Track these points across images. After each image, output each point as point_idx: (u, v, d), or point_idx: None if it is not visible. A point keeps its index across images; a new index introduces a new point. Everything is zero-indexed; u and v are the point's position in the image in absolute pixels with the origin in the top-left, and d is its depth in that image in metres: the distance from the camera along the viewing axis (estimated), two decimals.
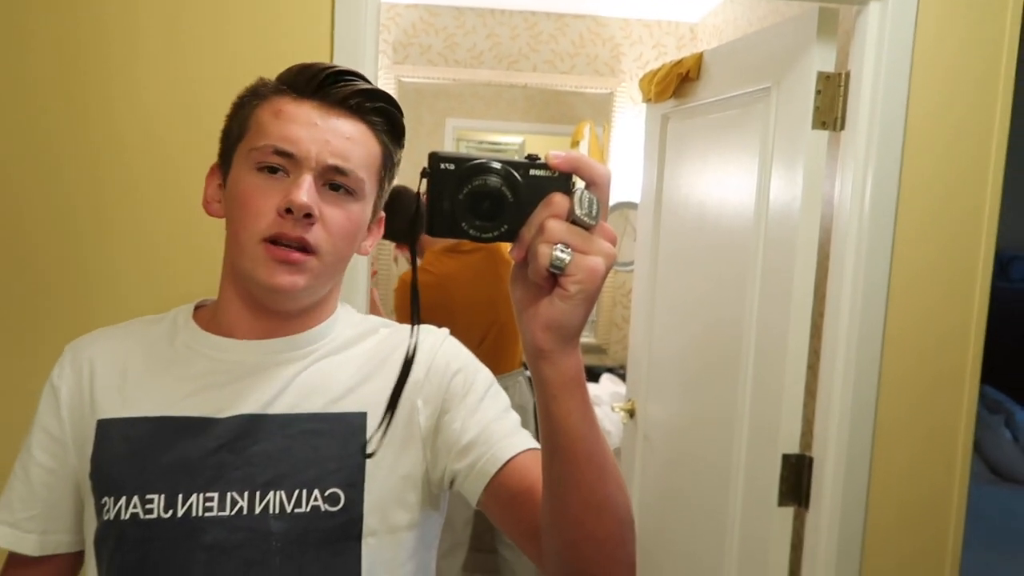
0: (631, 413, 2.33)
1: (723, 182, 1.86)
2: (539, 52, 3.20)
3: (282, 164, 0.80)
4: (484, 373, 0.90)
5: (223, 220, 0.87)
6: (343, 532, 0.81)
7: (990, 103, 1.49)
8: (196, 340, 0.88)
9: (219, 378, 0.84)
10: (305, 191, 0.78)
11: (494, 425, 0.83)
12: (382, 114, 0.85)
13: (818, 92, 1.52)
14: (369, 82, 0.85)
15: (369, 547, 0.81)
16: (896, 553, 1.54)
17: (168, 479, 0.80)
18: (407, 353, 0.74)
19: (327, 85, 0.82)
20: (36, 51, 1.37)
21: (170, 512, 0.79)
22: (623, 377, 3.07)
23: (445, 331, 0.93)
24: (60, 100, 1.38)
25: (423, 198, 0.64)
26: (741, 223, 1.75)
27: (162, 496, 0.79)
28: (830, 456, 1.52)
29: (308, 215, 0.78)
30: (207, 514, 0.79)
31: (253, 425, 0.82)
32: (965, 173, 1.50)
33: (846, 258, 1.50)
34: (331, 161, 0.80)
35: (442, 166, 0.61)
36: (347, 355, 0.88)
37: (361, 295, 1.47)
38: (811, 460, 1.57)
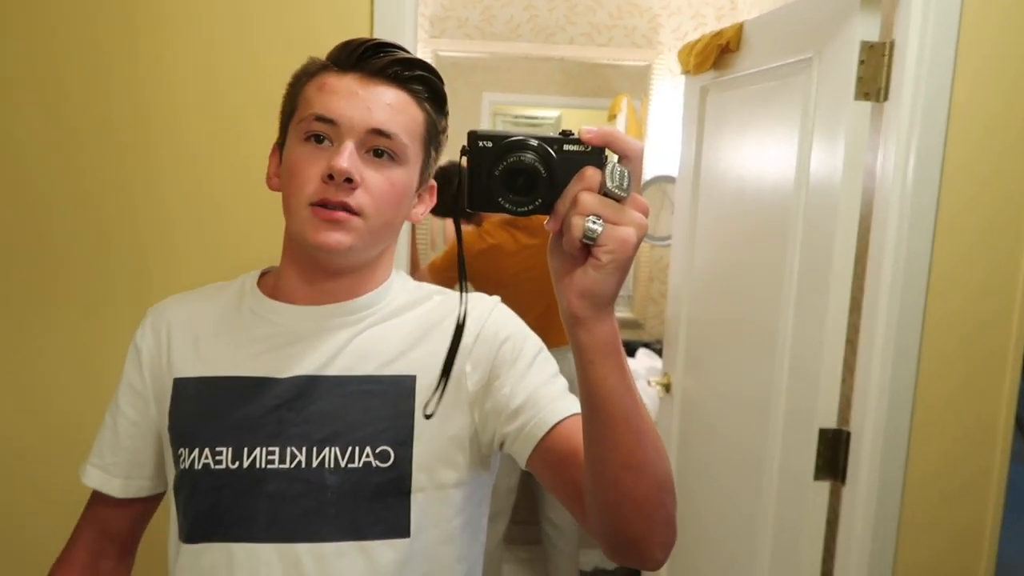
0: (667, 387, 2.33)
1: (763, 155, 1.84)
2: (576, 24, 3.17)
3: (325, 131, 0.85)
4: (533, 340, 0.94)
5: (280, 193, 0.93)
6: (393, 487, 0.87)
7: None
8: (259, 305, 0.94)
9: (279, 341, 0.91)
10: (346, 157, 0.83)
11: (542, 390, 0.88)
12: (422, 82, 0.89)
13: (861, 62, 1.49)
14: (409, 52, 0.88)
15: (417, 502, 0.87)
16: (934, 529, 1.53)
17: (234, 434, 0.87)
18: (458, 320, 0.78)
19: (367, 57, 0.86)
20: (100, 21, 1.41)
21: (236, 463, 0.87)
22: (659, 352, 3.07)
23: (496, 299, 0.97)
24: (120, 59, 1.42)
25: (462, 175, 0.67)
26: (780, 197, 1.73)
27: (230, 449, 0.87)
28: (868, 431, 1.51)
29: (349, 180, 0.83)
30: (269, 466, 0.86)
31: (311, 385, 0.88)
32: (1013, 146, 1.46)
33: (887, 233, 1.48)
34: (373, 125, 0.84)
35: (480, 144, 0.65)
36: (400, 320, 0.94)
37: (403, 259, 1.51)
38: (848, 435, 1.57)
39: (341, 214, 0.84)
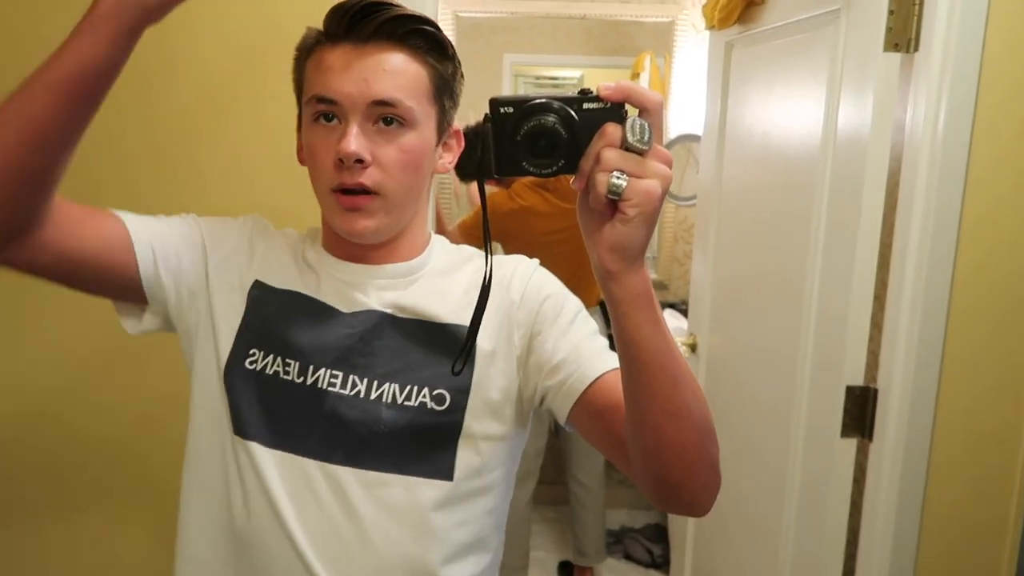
0: (693, 348, 2.33)
1: (789, 110, 1.81)
2: None
3: (331, 111, 0.86)
4: (573, 299, 0.97)
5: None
6: (443, 430, 0.90)
7: None
8: (321, 260, 0.97)
9: (349, 285, 0.95)
10: (352, 139, 0.83)
11: (583, 345, 0.91)
12: (419, 35, 0.87)
13: (891, 12, 1.45)
14: (400, 7, 0.87)
15: (462, 448, 0.90)
16: (960, 485, 1.53)
17: (305, 350, 0.91)
18: (484, 281, 0.79)
19: (356, 22, 0.85)
20: None
21: (301, 378, 0.90)
22: (685, 313, 3.06)
23: (536, 261, 1.00)
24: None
25: (488, 142, 0.68)
26: (807, 152, 1.71)
27: (297, 363, 0.91)
28: (895, 388, 1.51)
29: (359, 160, 0.84)
30: (330, 388, 0.90)
31: (382, 322, 0.93)
32: None
33: (916, 187, 1.45)
34: (373, 96, 0.84)
35: (502, 110, 0.66)
36: (453, 279, 0.97)
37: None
38: (876, 392, 1.56)
39: (361, 198, 0.86)
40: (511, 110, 0.65)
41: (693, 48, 3.12)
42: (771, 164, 1.90)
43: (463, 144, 0.99)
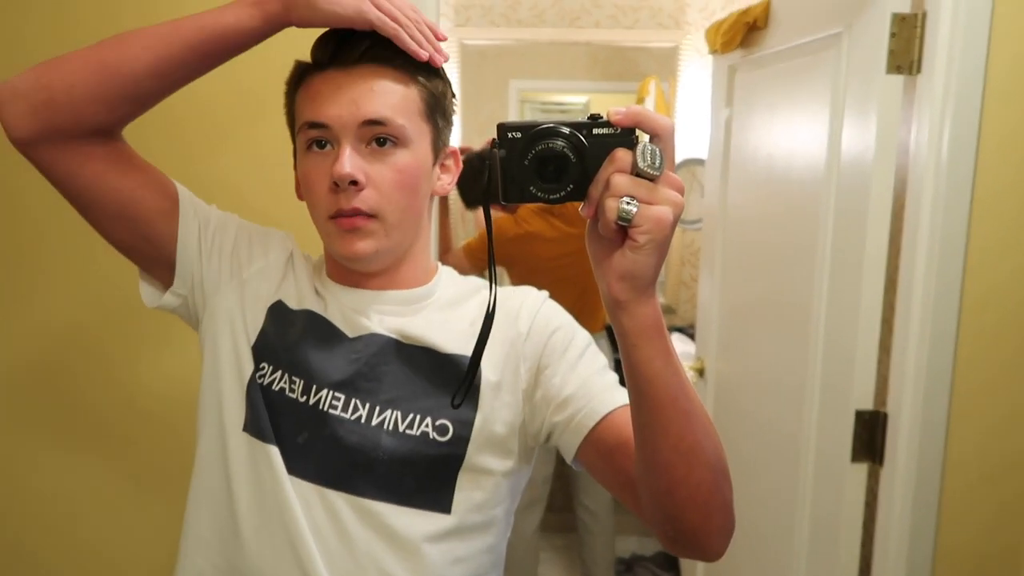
0: (701, 372, 2.31)
1: (793, 133, 1.81)
2: (601, 7, 3.14)
3: (323, 136, 0.86)
4: (583, 333, 0.94)
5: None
6: (444, 462, 0.87)
7: None
8: (326, 287, 0.97)
9: (356, 313, 0.94)
10: (345, 161, 0.83)
11: (592, 381, 0.88)
12: (405, 55, 0.86)
13: (892, 35, 1.45)
14: (368, 34, 0.86)
15: (463, 482, 0.88)
16: (974, 510, 1.50)
17: (312, 370, 0.90)
18: (488, 310, 0.78)
19: (342, 46, 0.86)
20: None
21: (305, 398, 0.89)
22: (692, 337, 3.05)
23: (545, 293, 0.98)
24: None
25: (495, 169, 0.67)
26: (812, 175, 1.70)
27: (303, 382, 0.89)
28: (905, 412, 1.49)
29: (354, 182, 0.83)
30: (331, 410, 0.88)
31: (388, 348, 0.91)
32: None
33: (922, 209, 1.44)
34: (363, 117, 0.84)
35: (510, 135, 0.64)
36: (459, 310, 0.96)
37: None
38: (885, 416, 1.54)
39: (359, 220, 0.85)
40: (519, 135, 0.64)
41: (697, 72, 3.13)
42: (776, 187, 1.89)
43: (460, 165, 0.98)
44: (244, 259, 0.97)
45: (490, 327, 0.79)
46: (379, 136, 0.85)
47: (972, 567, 1.52)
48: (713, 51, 2.18)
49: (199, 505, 0.92)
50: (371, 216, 0.86)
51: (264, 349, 0.92)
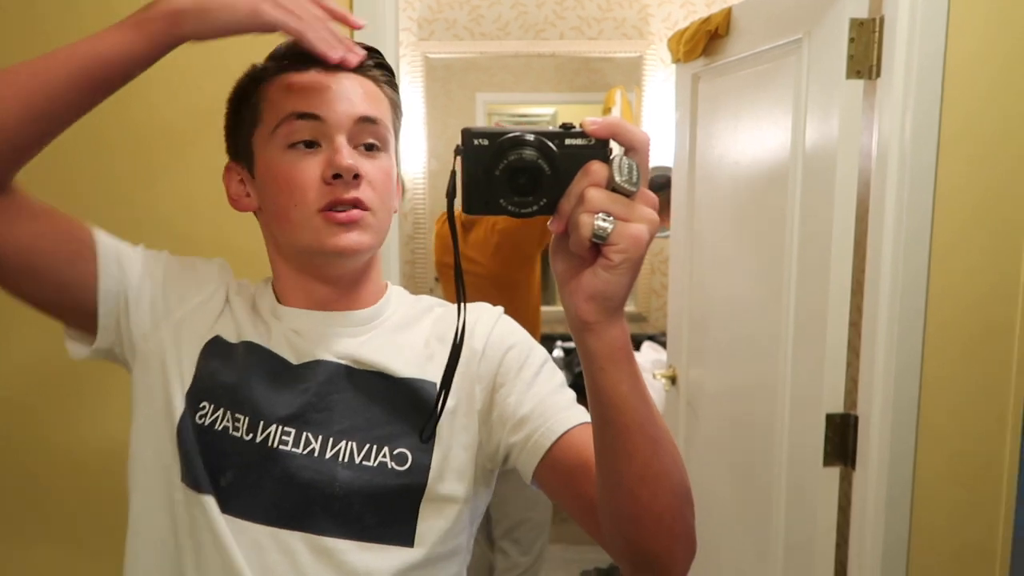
0: (673, 380, 2.31)
1: (757, 139, 1.82)
2: (565, 19, 3.16)
3: (312, 133, 0.82)
4: (539, 350, 0.91)
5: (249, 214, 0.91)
6: (404, 492, 0.83)
7: None
8: (273, 310, 0.91)
9: (302, 338, 0.89)
10: (346, 154, 0.81)
11: (550, 399, 0.84)
12: (378, 67, 0.87)
13: (851, 40, 1.47)
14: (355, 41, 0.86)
15: (426, 512, 0.84)
16: (946, 508, 1.51)
17: (256, 405, 0.84)
18: (455, 338, 0.75)
19: None
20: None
21: (251, 435, 0.83)
22: (664, 344, 3.05)
23: (500, 309, 0.94)
24: None
25: (458, 176, 0.63)
26: (777, 181, 1.71)
27: (247, 419, 0.84)
28: (875, 414, 1.49)
29: (356, 175, 0.81)
30: (282, 447, 0.83)
31: (338, 376, 0.86)
32: (1009, 118, 1.43)
33: (886, 211, 1.45)
34: (359, 113, 0.82)
35: (475, 142, 0.60)
36: (412, 331, 0.92)
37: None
38: (856, 419, 1.54)
39: (355, 212, 0.82)
40: (486, 142, 0.60)
41: (663, 82, 3.15)
42: (742, 194, 1.90)
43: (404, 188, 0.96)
44: (175, 301, 0.90)
45: (458, 357, 0.76)
46: (369, 136, 0.84)
47: (945, 567, 1.52)
48: (676, 60, 2.19)
49: (136, 565, 0.87)
50: (367, 209, 0.83)
51: (202, 390, 0.86)
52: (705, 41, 1.97)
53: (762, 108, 1.79)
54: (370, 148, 0.84)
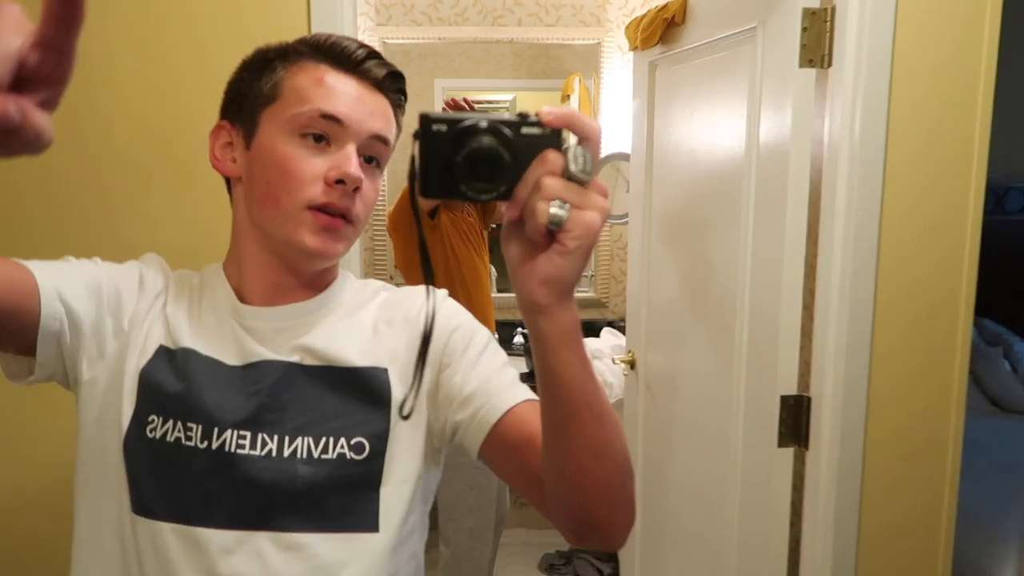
0: (632, 364, 2.34)
1: (713, 127, 1.85)
2: (524, 5, 3.15)
3: (327, 132, 0.84)
4: (483, 331, 0.94)
5: (219, 179, 0.91)
6: (365, 479, 0.86)
7: (977, 32, 1.46)
8: (226, 303, 0.91)
9: (248, 335, 0.89)
10: (356, 163, 0.83)
11: (494, 377, 0.88)
12: (402, 93, 0.91)
13: (804, 29, 1.50)
14: (389, 63, 0.90)
15: (386, 495, 0.86)
16: (895, 485, 1.56)
17: (209, 412, 0.84)
18: (426, 317, 0.77)
19: (367, 63, 0.87)
20: None
21: (205, 443, 0.83)
22: (623, 330, 3.09)
23: (444, 292, 0.97)
24: None
25: (416, 160, 0.63)
26: (732, 168, 1.74)
27: (200, 426, 0.83)
28: (827, 395, 1.53)
29: (357, 188, 0.84)
30: (239, 451, 0.83)
31: (288, 373, 0.87)
32: (954, 105, 1.48)
33: (837, 196, 1.49)
34: (375, 131, 0.86)
35: (434, 127, 0.61)
36: (360, 316, 0.93)
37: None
38: (809, 400, 1.59)
39: (340, 221, 0.84)
40: (444, 128, 0.61)
41: (620, 69, 3.17)
42: (698, 180, 1.93)
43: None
44: (115, 320, 0.87)
45: (428, 346, 0.77)
46: (375, 152, 0.87)
47: (895, 546, 1.58)
48: (634, 48, 2.21)
49: None
50: (350, 222, 0.86)
51: (150, 403, 0.85)
52: (662, 29, 1.99)
53: (718, 96, 1.82)
54: (369, 161, 0.87)
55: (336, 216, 0.84)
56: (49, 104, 0.42)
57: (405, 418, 0.85)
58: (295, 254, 0.87)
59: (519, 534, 3.01)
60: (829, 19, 1.48)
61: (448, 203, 2.50)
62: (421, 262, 0.77)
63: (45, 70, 0.41)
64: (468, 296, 2.36)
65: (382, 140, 0.87)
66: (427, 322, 0.78)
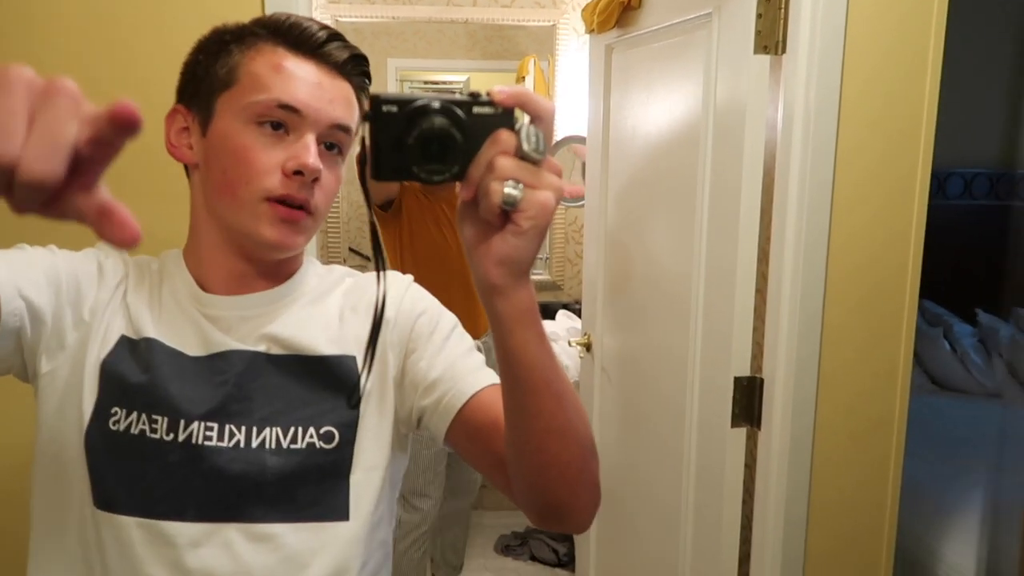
0: (588, 347, 2.36)
1: (669, 111, 1.86)
2: None
3: (285, 120, 0.81)
4: (448, 316, 0.94)
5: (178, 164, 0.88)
6: (334, 469, 0.85)
7: (925, 19, 1.50)
8: (187, 291, 0.89)
9: (215, 325, 0.87)
10: (314, 153, 0.81)
11: (459, 363, 0.88)
12: (364, 75, 0.89)
13: (759, 16, 1.51)
14: (352, 45, 0.87)
15: (355, 483, 0.86)
16: (844, 464, 1.61)
17: (174, 404, 0.82)
18: (377, 302, 0.76)
19: (326, 46, 0.84)
20: None
21: (172, 435, 0.82)
22: (579, 313, 3.11)
23: (409, 277, 0.96)
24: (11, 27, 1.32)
25: (367, 142, 0.62)
26: (687, 152, 1.76)
27: (165, 419, 0.82)
28: (779, 376, 1.57)
29: (316, 178, 0.82)
30: (206, 443, 0.82)
31: (254, 363, 0.86)
32: (902, 91, 1.51)
33: (790, 182, 1.52)
34: (335, 119, 0.83)
35: (384, 108, 0.59)
36: (325, 304, 0.92)
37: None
38: (762, 381, 1.62)
39: (299, 213, 0.82)
40: (395, 109, 0.59)
41: (576, 52, 3.17)
42: (654, 165, 1.94)
43: None
44: (74, 311, 0.85)
45: (379, 329, 0.76)
46: (335, 140, 0.85)
47: (842, 522, 1.63)
48: (590, 30, 2.21)
49: None
50: (310, 213, 0.84)
51: (112, 396, 0.83)
52: (618, 13, 2.00)
53: (674, 80, 1.83)
54: (330, 148, 0.85)
55: (295, 208, 0.82)
56: (90, 186, 0.42)
57: (354, 407, 0.84)
58: (253, 245, 0.85)
59: (475, 516, 3.03)
60: (783, 6, 1.50)
61: (428, 189, 2.48)
62: (372, 246, 0.76)
63: (95, 161, 0.42)
64: (448, 284, 2.34)
65: (343, 128, 0.85)
66: (377, 308, 0.77)
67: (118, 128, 0.40)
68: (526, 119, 0.60)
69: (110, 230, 0.43)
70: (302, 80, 0.82)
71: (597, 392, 2.31)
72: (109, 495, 0.81)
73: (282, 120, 0.82)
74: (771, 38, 1.52)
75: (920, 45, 1.50)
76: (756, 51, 1.52)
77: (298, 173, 0.81)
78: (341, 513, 0.85)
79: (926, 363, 3.09)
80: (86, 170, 0.42)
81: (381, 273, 0.78)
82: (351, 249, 3.32)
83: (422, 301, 0.93)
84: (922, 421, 2.31)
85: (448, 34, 3.23)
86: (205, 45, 0.87)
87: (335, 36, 0.86)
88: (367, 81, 0.90)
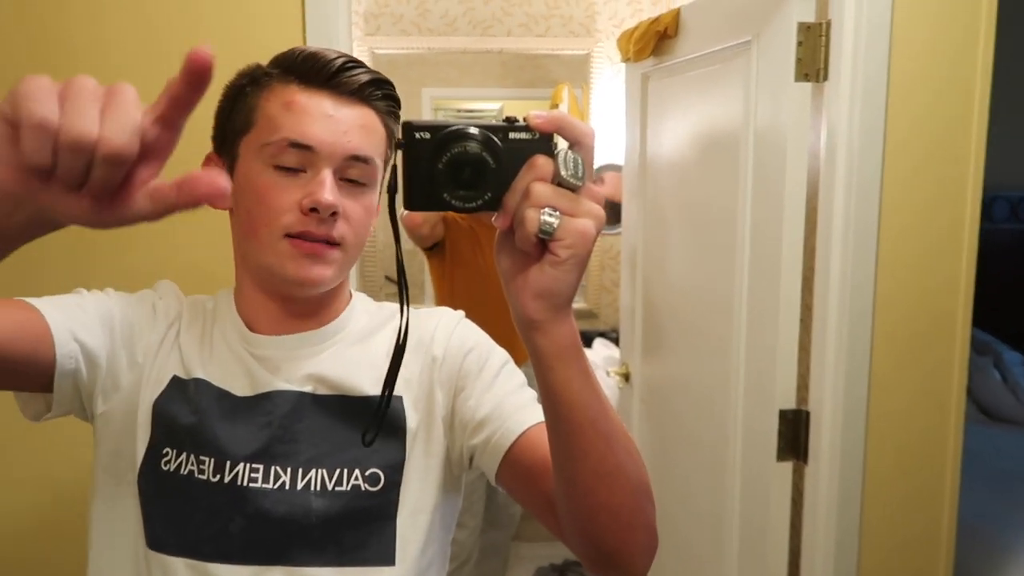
0: (626, 377, 2.33)
1: (707, 139, 1.84)
2: (513, 15, 3.15)
3: (299, 160, 0.80)
4: (499, 351, 0.91)
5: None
6: (381, 511, 0.83)
7: (972, 46, 1.47)
8: (236, 331, 0.89)
9: (263, 365, 0.87)
10: (329, 189, 0.79)
11: (508, 400, 0.85)
12: (389, 98, 0.86)
13: (799, 43, 1.49)
14: (371, 69, 0.85)
15: (403, 526, 0.84)
16: (895, 499, 1.56)
17: (220, 445, 0.82)
18: (398, 337, 0.73)
19: (338, 75, 0.82)
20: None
21: (218, 476, 0.81)
22: (616, 341, 3.07)
23: (460, 313, 0.94)
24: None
25: (399, 171, 0.60)
26: (726, 180, 1.73)
27: (213, 460, 0.82)
28: (826, 409, 1.53)
29: (334, 212, 0.80)
30: (251, 484, 0.81)
31: (300, 404, 0.85)
32: (951, 118, 1.48)
33: (834, 211, 1.49)
34: (351, 151, 0.81)
35: (417, 135, 0.58)
36: (373, 342, 0.91)
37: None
38: (808, 415, 1.58)
39: (322, 247, 0.81)
40: (428, 136, 0.58)
41: (610, 80, 3.17)
42: (692, 192, 1.92)
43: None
44: (129, 353, 0.86)
45: (400, 361, 0.74)
46: (356, 173, 0.82)
47: (896, 559, 1.57)
48: (626, 59, 2.20)
49: None
50: (336, 245, 0.82)
51: (164, 436, 0.83)
52: (655, 41, 1.99)
53: (712, 108, 1.81)
54: (352, 181, 0.83)
55: (317, 242, 0.81)
56: (157, 171, 0.46)
57: (367, 445, 0.80)
58: (282, 283, 0.84)
59: (512, 547, 2.98)
60: (824, 33, 1.48)
61: (480, 219, 2.45)
62: (397, 279, 0.73)
63: (159, 144, 0.45)
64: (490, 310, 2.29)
65: (361, 159, 0.82)
66: (399, 339, 0.73)
67: (193, 75, 0.44)
68: (564, 144, 0.58)
69: (195, 191, 0.45)
70: (313, 115, 0.80)
71: (636, 423, 2.27)
72: (159, 535, 0.81)
73: (295, 162, 0.80)
74: (812, 65, 1.50)
75: (968, 67, 1.47)
76: (797, 78, 1.51)
77: (313, 210, 0.79)
78: (387, 558, 0.83)
79: (976, 392, 3.00)
80: (153, 157, 0.46)
81: (405, 305, 0.76)
82: (387, 278, 3.33)
83: (471, 338, 0.91)
84: (971, 452, 2.24)
85: (481, 63, 3.26)
86: (228, 91, 0.87)
87: (351, 62, 0.83)
88: (394, 104, 0.87)
